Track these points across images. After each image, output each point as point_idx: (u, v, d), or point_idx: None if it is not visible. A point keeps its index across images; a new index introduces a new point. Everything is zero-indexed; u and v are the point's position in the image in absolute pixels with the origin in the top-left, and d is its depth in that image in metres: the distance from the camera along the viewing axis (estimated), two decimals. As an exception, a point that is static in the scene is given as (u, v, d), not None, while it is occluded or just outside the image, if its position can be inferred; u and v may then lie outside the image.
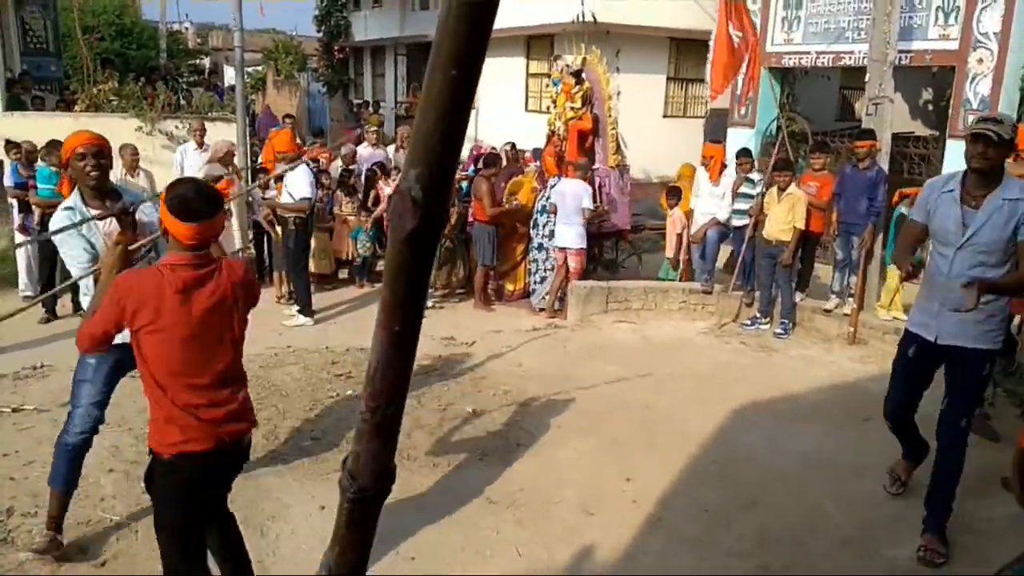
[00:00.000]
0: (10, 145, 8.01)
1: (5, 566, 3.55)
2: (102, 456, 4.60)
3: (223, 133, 10.05)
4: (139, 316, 2.62)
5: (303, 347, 6.76)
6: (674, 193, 8.65)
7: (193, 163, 8.85)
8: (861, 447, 5.07)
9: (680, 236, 8.53)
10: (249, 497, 4.21)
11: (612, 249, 9.44)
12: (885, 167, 7.43)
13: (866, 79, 7.71)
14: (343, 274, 9.20)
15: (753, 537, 4.07)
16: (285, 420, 5.26)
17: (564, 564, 3.81)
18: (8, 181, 7.90)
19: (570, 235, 7.84)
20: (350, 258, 8.95)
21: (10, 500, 4.10)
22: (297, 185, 7.40)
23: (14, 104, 11.19)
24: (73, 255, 3.51)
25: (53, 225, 3.51)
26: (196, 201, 2.64)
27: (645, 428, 5.35)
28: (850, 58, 10.03)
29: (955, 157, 7.61)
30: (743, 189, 7.88)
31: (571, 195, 7.74)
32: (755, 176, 7.94)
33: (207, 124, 9.67)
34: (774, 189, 7.39)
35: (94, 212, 3.54)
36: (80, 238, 3.48)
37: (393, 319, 0.86)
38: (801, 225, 7.20)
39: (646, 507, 4.34)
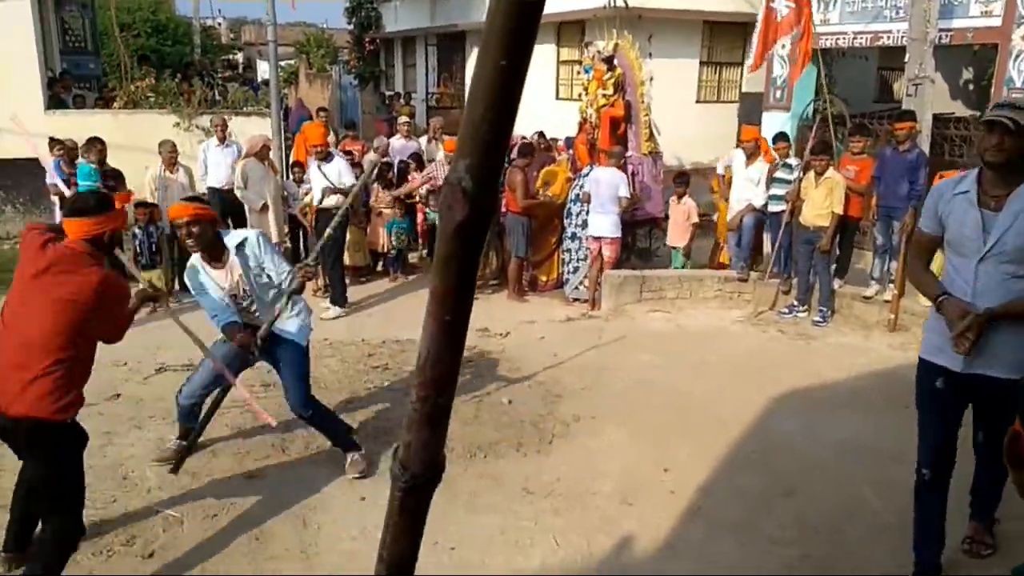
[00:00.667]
0: (53, 143, 8.17)
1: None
2: (148, 448, 4.71)
3: (258, 127, 10.17)
4: None
5: (339, 340, 6.83)
6: (682, 180, 8.55)
7: (216, 159, 8.82)
8: (901, 434, 4.96)
9: (694, 226, 8.44)
10: (291, 487, 4.28)
11: (646, 237, 9.38)
12: (926, 149, 7.27)
13: (906, 59, 7.55)
14: (378, 267, 9.26)
15: (793, 525, 4.04)
16: (324, 411, 5.32)
17: (603, 554, 3.81)
18: (51, 178, 8.06)
19: (605, 224, 7.77)
20: (385, 250, 9.01)
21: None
22: (345, 173, 7.51)
23: (55, 103, 11.42)
24: (208, 306, 4.26)
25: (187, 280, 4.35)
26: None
27: (681, 417, 5.32)
28: (888, 38, 9.80)
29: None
30: (779, 174, 7.75)
31: (606, 183, 7.68)
32: (792, 161, 7.81)
33: (243, 119, 9.76)
34: (811, 174, 7.26)
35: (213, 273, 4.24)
36: (207, 295, 4.22)
37: (443, 309, 0.86)
38: (839, 210, 7.08)
39: (685, 496, 4.32)
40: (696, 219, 8.47)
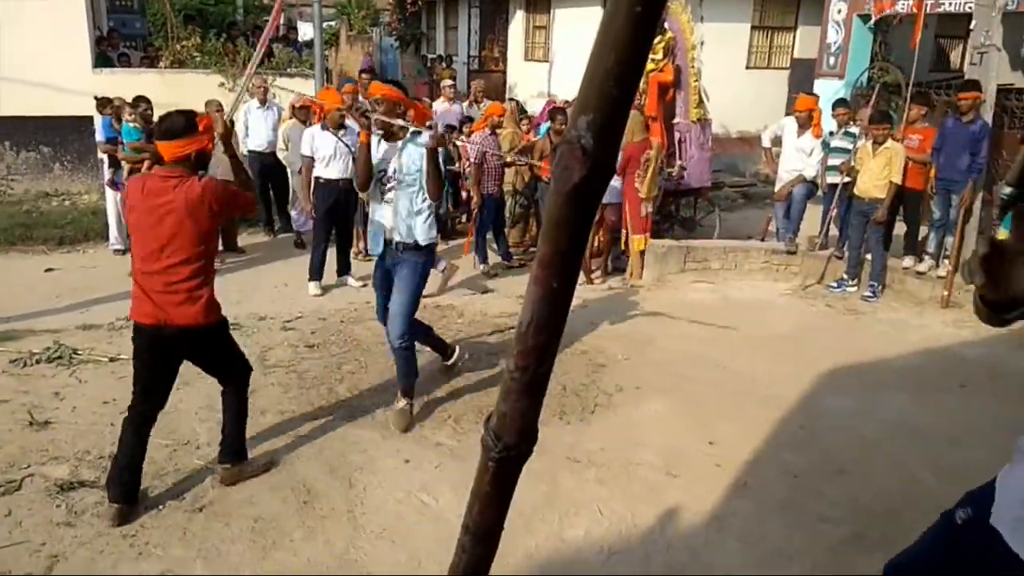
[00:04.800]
0: (102, 101, 8.23)
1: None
2: (197, 406, 4.77)
3: (301, 89, 10.13)
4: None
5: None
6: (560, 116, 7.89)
7: (256, 121, 8.77)
8: (956, 414, 4.88)
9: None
10: (337, 449, 4.31)
11: (690, 207, 9.23)
12: (988, 121, 7.00)
13: (971, 26, 7.24)
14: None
15: (845, 505, 3.96)
16: (367, 374, 5.35)
17: (647, 525, 3.78)
18: (100, 136, 8.15)
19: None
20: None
21: (111, 446, 4.25)
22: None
23: (102, 61, 11.50)
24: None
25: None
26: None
27: (726, 390, 5.25)
28: (949, 4, 9.44)
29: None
30: (838, 143, 7.52)
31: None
32: (855, 129, 7.54)
33: (286, 80, 9.72)
34: (868, 143, 7.05)
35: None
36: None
37: (551, 275, 0.81)
38: (899, 180, 6.86)
39: (730, 471, 4.27)
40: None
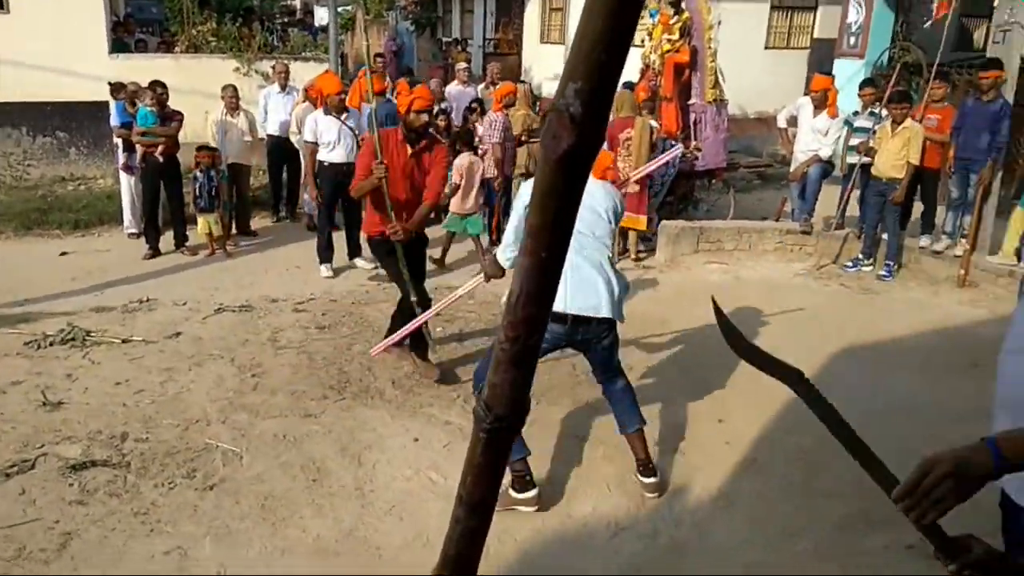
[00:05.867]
0: (116, 86, 8.27)
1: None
2: (207, 385, 4.81)
3: (316, 73, 10.13)
4: None
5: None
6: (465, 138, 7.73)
7: (276, 106, 8.77)
8: (966, 393, 4.82)
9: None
10: (347, 428, 4.35)
11: (704, 189, 9.14)
12: (1010, 100, 6.89)
13: (995, 3, 7.11)
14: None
15: (852, 481, 3.91)
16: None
17: (655, 502, 3.79)
18: (114, 121, 8.18)
19: None
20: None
21: (123, 426, 4.32)
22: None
23: (119, 47, 11.54)
24: None
25: None
26: None
27: (737, 369, 5.21)
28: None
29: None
30: (862, 123, 7.42)
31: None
32: (881, 110, 7.41)
33: (302, 64, 9.70)
34: (887, 123, 6.96)
35: None
36: None
37: (540, 245, 0.80)
38: (916, 160, 6.77)
39: (739, 449, 4.27)
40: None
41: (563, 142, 0.73)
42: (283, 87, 8.90)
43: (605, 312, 3.58)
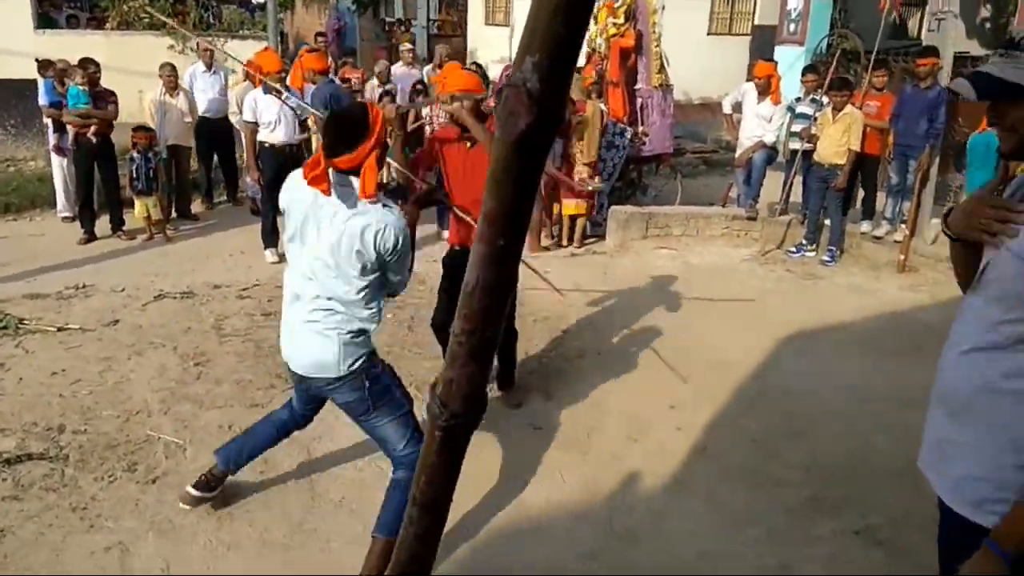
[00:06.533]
0: (44, 63, 7.90)
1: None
2: (149, 375, 4.65)
3: (254, 52, 9.84)
4: None
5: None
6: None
7: (203, 85, 8.45)
8: (910, 377, 4.94)
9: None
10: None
11: (651, 174, 9.19)
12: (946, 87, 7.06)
13: (929, -8, 7.26)
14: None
15: (802, 467, 4.02)
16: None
17: (609, 490, 3.79)
18: (43, 100, 7.81)
19: None
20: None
21: (60, 417, 4.16)
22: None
23: (45, 22, 11.03)
24: None
25: None
26: None
27: (687, 356, 5.27)
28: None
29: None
30: (803, 109, 7.52)
31: None
32: (822, 97, 7.50)
33: (239, 43, 9.41)
34: (828, 110, 7.08)
35: None
36: None
37: (496, 232, 0.75)
38: (857, 147, 6.91)
39: (691, 435, 4.30)
40: None
41: (521, 120, 0.68)
42: (208, 66, 8.58)
43: None
